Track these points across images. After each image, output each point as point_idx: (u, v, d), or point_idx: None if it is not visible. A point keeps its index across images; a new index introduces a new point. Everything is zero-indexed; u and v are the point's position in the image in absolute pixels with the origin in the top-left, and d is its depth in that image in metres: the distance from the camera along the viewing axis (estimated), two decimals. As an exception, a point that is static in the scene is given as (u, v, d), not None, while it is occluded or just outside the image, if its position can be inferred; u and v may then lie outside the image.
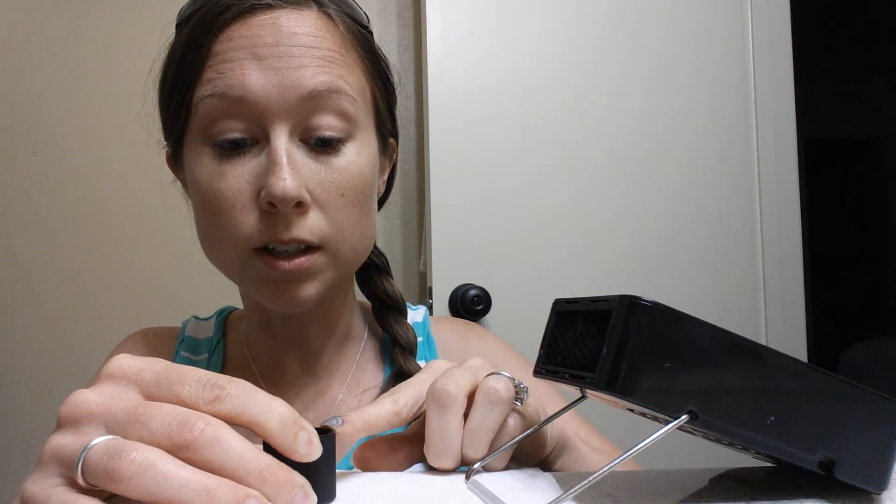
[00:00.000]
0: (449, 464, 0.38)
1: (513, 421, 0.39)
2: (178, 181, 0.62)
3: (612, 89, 1.45)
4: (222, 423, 0.29)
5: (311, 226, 0.52)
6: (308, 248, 0.53)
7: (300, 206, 0.51)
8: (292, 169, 0.51)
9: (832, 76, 3.79)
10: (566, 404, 0.39)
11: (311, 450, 0.30)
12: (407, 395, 0.40)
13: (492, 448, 0.38)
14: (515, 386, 0.40)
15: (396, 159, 0.67)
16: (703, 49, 1.49)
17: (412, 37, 1.61)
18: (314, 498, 0.29)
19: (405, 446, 0.41)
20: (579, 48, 1.45)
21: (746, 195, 1.50)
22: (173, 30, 0.58)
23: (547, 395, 0.64)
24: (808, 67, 2.06)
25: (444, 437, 0.37)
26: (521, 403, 0.40)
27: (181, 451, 0.27)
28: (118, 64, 1.52)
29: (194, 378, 0.30)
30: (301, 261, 0.52)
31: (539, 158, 1.42)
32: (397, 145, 0.66)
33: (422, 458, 0.40)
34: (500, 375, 0.39)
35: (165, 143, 0.60)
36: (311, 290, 0.54)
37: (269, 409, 0.29)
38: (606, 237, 1.43)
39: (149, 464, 0.26)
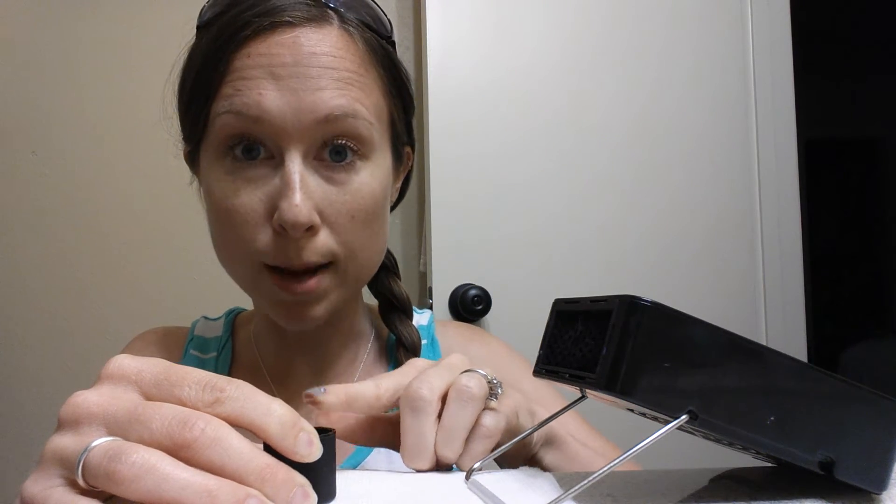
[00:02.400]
0: (424, 465, 0.38)
1: (489, 419, 0.39)
2: (195, 181, 0.62)
3: (612, 89, 1.45)
4: (222, 422, 0.29)
5: (320, 247, 0.53)
6: (318, 266, 0.54)
7: (311, 229, 0.52)
8: (304, 193, 0.51)
9: (832, 75, 3.78)
10: (566, 403, 0.39)
11: (312, 450, 0.30)
12: (388, 383, 0.40)
13: (468, 446, 0.39)
14: (489, 382, 0.40)
15: (412, 165, 0.67)
16: (703, 49, 1.49)
17: (412, 37, 1.61)
18: (314, 497, 0.29)
19: (382, 426, 0.42)
20: (579, 48, 1.45)
21: (746, 195, 1.50)
22: (190, 29, 0.58)
23: (549, 396, 0.65)
24: (808, 67, 2.05)
25: (419, 439, 0.38)
26: (496, 399, 0.40)
27: (181, 450, 0.27)
28: (119, 63, 1.52)
29: (194, 380, 0.30)
30: (311, 283, 0.53)
31: (539, 158, 1.42)
32: (413, 152, 0.66)
33: (395, 445, 0.40)
34: (472, 373, 0.40)
35: (183, 142, 0.61)
36: (320, 310, 0.55)
37: (269, 410, 0.29)
38: (606, 237, 1.43)
39: (149, 466, 0.26)
